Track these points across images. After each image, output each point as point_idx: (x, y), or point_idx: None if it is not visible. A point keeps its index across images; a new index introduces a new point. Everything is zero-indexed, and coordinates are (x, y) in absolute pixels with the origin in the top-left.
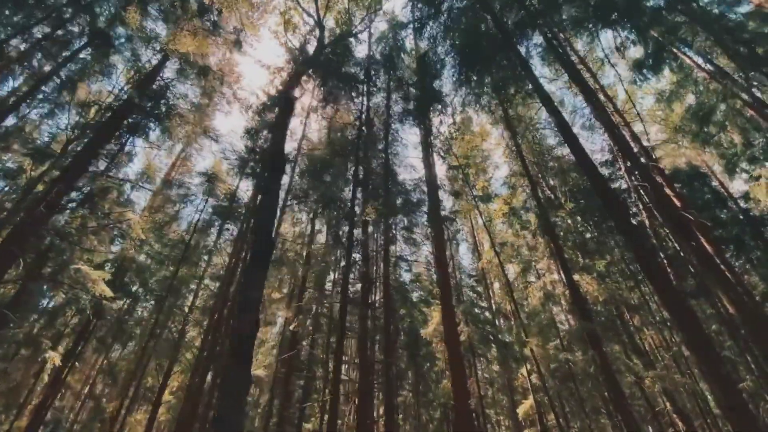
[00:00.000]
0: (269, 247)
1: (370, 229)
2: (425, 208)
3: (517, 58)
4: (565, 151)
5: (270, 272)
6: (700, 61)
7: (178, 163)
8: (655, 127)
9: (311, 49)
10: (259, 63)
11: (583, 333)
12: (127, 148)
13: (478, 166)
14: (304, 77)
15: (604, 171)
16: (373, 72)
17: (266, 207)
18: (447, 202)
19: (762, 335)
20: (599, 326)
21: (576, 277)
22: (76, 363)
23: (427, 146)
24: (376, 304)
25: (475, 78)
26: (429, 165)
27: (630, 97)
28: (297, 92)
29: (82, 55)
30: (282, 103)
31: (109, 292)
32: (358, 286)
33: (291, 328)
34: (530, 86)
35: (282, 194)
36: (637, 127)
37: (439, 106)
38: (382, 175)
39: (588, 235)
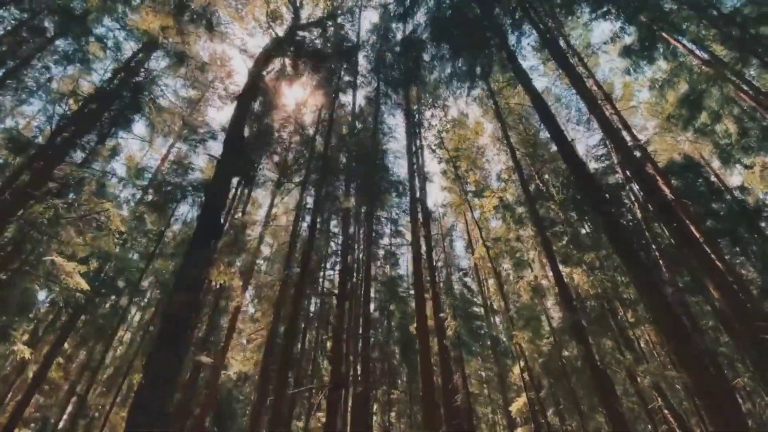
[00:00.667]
0: (216, 222)
1: (362, 229)
2: (408, 198)
3: (497, 35)
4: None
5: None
6: (694, 48)
7: (168, 157)
8: (653, 123)
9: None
10: (244, 52)
11: (569, 326)
12: (112, 143)
13: (470, 159)
14: (287, 60)
15: (598, 165)
16: (360, 62)
17: (217, 182)
18: (438, 195)
19: (750, 325)
20: (590, 320)
21: (567, 269)
22: (60, 359)
23: (411, 134)
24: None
25: (461, 65)
26: (411, 151)
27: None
28: (267, 74)
29: (60, 44)
30: (245, 85)
31: (85, 285)
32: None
33: (256, 316)
34: (512, 71)
35: (272, 186)
36: (633, 121)
37: (430, 100)
38: (364, 163)
39: (583, 231)
